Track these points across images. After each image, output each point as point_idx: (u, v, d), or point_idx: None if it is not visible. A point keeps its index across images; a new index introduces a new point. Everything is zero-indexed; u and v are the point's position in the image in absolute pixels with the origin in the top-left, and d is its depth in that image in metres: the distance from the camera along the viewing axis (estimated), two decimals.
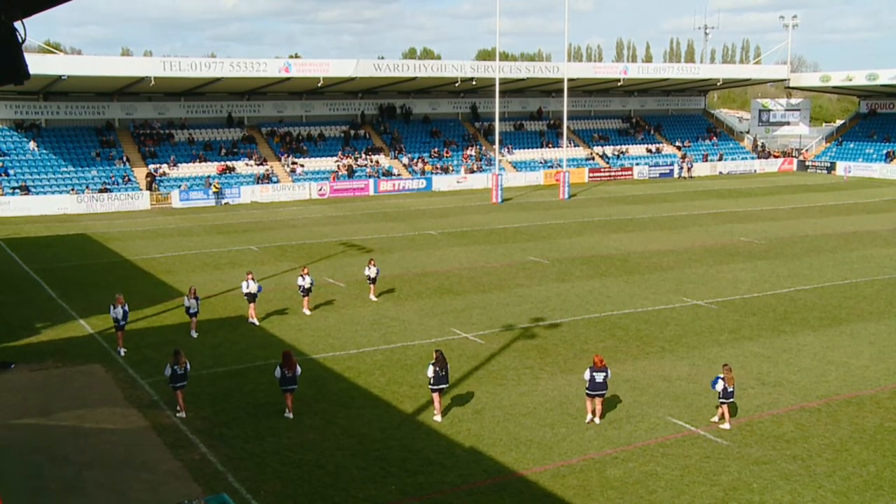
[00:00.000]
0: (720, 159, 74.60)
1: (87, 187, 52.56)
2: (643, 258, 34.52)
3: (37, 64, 44.82)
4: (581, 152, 71.46)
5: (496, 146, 58.58)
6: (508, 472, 14.99)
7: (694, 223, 44.17)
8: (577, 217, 47.10)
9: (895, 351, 21.79)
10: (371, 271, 27.63)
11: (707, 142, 78.32)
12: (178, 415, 17.58)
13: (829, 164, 73.83)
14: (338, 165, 61.68)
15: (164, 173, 56.38)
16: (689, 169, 70.38)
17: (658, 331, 23.79)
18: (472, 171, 64.14)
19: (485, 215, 48.06)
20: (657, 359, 21.28)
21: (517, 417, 17.43)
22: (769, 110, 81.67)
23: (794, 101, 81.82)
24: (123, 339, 22.15)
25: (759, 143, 79.92)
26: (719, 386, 16.52)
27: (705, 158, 73.66)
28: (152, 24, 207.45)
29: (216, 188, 54.63)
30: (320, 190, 58.01)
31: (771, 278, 30.58)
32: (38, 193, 51.62)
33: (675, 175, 70.28)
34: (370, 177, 60.96)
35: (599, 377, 16.74)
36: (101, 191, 52.61)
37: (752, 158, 76.68)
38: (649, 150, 74.35)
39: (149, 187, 54.29)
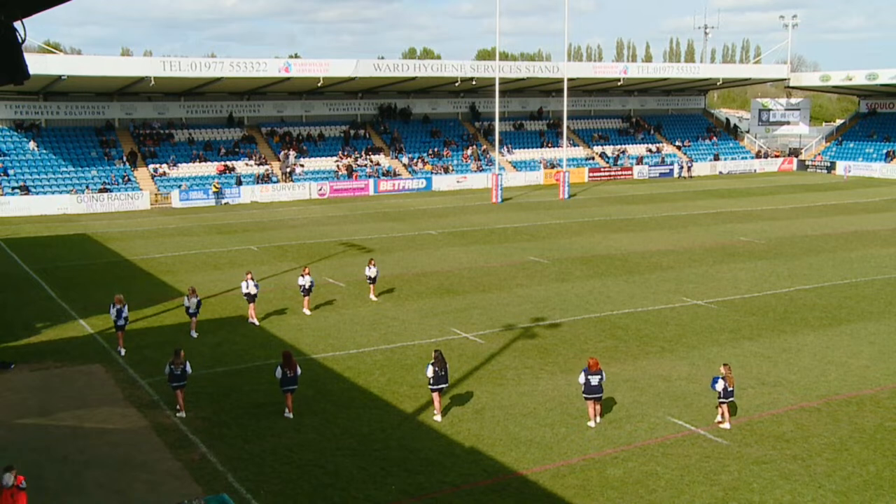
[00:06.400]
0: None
1: (87, 187, 52.56)
2: (643, 258, 34.51)
3: (37, 64, 44.84)
4: (581, 152, 71.45)
5: (496, 146, 58.60)
6: (508, 472, 14.99)
7: (694, 223, 44.17)
8: (577, 217, 47.10)
9: (895, 351, 21.81)
10: (371, 271, 27.63)
11: (707, 142, 78.33)
12: (177, 415, 17.59)
13: (829, 164, 73.82)
14: (338, 165, 61.68)
15: (164, 173, 56.42)
16: (688, 169, 70.37)
17: (658, 331, 23.79)
18: (481, 169, 64.12)
19: (485, 215, 48.05)
20: (657, 359, 21.28)
21: (517, 417, 17.43)
22: (769, 110, 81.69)
23: (794, 100, 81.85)
24: (123, 339, 22.16)
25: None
26: (719, 386, 16.51)
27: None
28: (152, 24, 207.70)
29: (216, 188, 54.63)
30: (320, 190, 58.01)
31: (771, 278, 30.58)
32: (38, 193, 51.61)
33: (675, 175, 70.29)
34: (370, 177, 60.96)
35: (594, 380, 16.67)
36: (101, 191, 52.61)
37: (752, 158, 76.71)
38: (649, 150, 74.34)
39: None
